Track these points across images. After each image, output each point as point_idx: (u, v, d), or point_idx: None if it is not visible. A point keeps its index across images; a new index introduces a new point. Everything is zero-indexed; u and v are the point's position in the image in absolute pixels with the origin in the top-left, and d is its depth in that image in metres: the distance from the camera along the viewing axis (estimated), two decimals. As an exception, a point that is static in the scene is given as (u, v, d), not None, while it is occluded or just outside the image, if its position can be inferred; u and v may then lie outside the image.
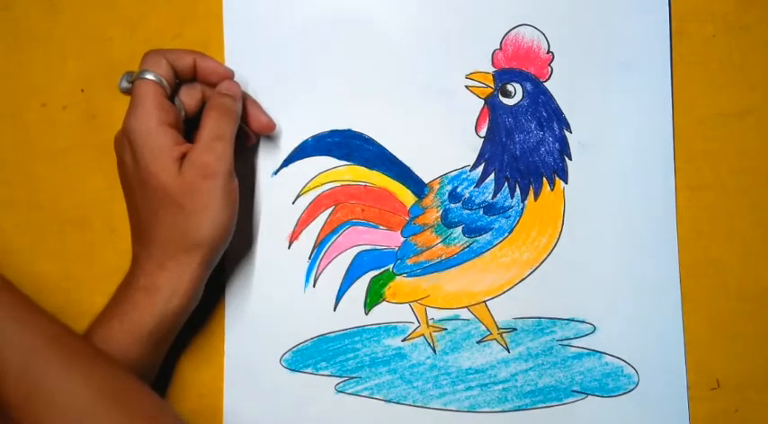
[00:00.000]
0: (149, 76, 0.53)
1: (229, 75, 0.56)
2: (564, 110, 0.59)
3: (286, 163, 0.60)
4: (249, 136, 0.59)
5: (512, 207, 0.59)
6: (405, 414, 0.58)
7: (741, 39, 0.60)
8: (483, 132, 0.60)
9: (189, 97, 0.56)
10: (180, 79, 0.56)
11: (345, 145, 0.60)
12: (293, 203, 0.60)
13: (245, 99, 0.57)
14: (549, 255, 0.59)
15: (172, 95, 0.55)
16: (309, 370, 0.59)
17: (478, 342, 0.59)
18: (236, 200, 0.54)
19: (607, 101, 0.59)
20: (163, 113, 0.53)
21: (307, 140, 0.60)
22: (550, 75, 0.60)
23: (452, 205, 0.59)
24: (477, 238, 0.59)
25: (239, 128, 0.58)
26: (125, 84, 0.55)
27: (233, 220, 0.54)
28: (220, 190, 0.53)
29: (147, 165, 0.52)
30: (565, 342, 0.58)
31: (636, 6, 0.60)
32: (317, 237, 0.59)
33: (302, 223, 0.59)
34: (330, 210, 0.59)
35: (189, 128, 0.56)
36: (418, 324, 0.59)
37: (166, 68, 0.54)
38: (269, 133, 0.59)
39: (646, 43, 0.59)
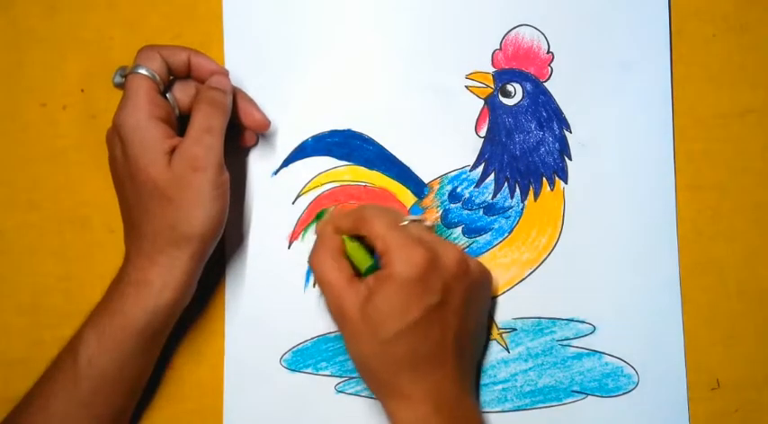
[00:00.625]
0: (142, 71, 0.53)
1: (222, 73, 0.56)
2: (564, 110, 0.59)
3: (286, 163, 0.60)
4: (249, 136, 0.59)
5: (511, 207, 0.59)
6: (405, 414, 0.58)
7: (741, 39, 0.60)
8: (483, 132, 0.60)
9: (182, 93, 0.56)
10: (174, 75, 0.56)
11: (345, 145, 0.60)
12: (293, 203, 0.60)
13: (240, 95, 0.57)
14: (548, 255, 0.59)
15: (166, 91, 0.55)
16: (309, 370, 0.59)
17: (478, 342, 0.59)
18: (226, 193, 0.54)
19: (607, 101, 0.59)
20: (154, 107, 0.53)
21: (307, 140, 0.60)
22: (550, 75, 0.60)
23: (452, 205, 0.59)
24: (477, 238, 0.59)
25: (239, 128, 0.58)
26: (118, 79, 0.55)
27: (224, 213, 0.54)
28: (210, 183, 0.53)
29: (136, 159, 0.52)
30: (565, 342, 0.58)
31: (636, 6, 0.60)
32: (317, 237, 0.59)
33: (302, 223, 0.60)
34: (330, 211, 0.59)
35: (183, 125, 0.56)
36: (418, 324, 0.59)
37: (160, 64, 0.54)
38: (263, 130, 0.58)
39: (646, 43, 0.59)
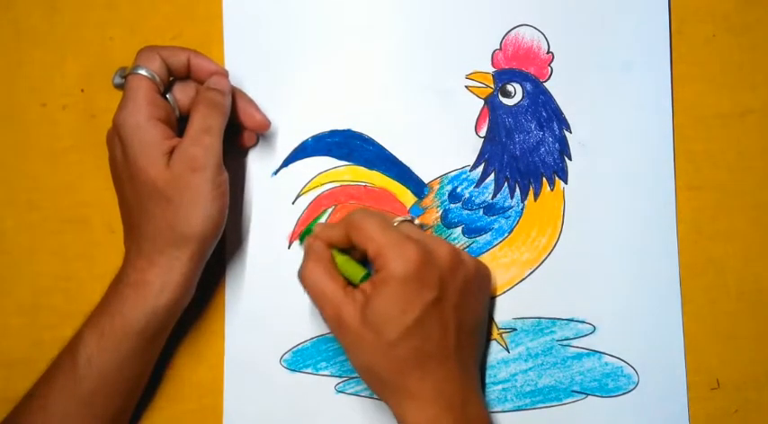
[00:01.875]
0: (142, 72, 0.53)
1: (222, 73, 0.56)
2: (564, 110, 0.59)
3: (286, 163, 0.60)
4: (248, 136, 0.59)
5: (511, 207, 0.59)
6: (405, 414, 0.58)
7: (741, 39, 0.60)
8: (483, 132, 0.60)
9: (182, 94, 0.56)
10: (174, 76, 0.56)
11: (345, 145, 0.60)
12: (293, 203, 0.60)
13: (240, 96, 0.57)
14: (548, 255, 0.59)
15: (166, 92, 0.55)
16: (309, 370, 0.59)
17: (478, 342, 0.59)
18: (225, 193, 0.54)
19: (607, 101, 0.59)
20: (153, 108, 0.53)
21: (307, 140, 0.60)
22: (550, 75, 0.60)
23: (452, 205, 0.59)
24: (477, 238, 0.59)
25: (238, 128, 0.58)
26: (118, 80, 0.55)
27: (223, 213, 0.54)
28: (209, 183, 0.53)
29: (135, 159, 0.52)
30: (565, 342, 0.58)
31: (636, 6, 0.60)
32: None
33: (302, 223, 0.60)
34: (330, 210, 0.59)
35: (184, 126, 0.56)
36: (418, 324, 0.59)
37: (160, 65, 0.54)
38: (263, 131, 0.59)
39: (646, 43, 0.59)
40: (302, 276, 0.53)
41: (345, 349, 0.52)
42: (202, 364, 0.59)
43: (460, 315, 0.53)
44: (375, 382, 0.53)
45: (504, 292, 0.59)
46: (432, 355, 0.51)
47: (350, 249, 0.54)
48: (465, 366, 0.53)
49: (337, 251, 0.54)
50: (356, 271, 0.53)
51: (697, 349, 0.58)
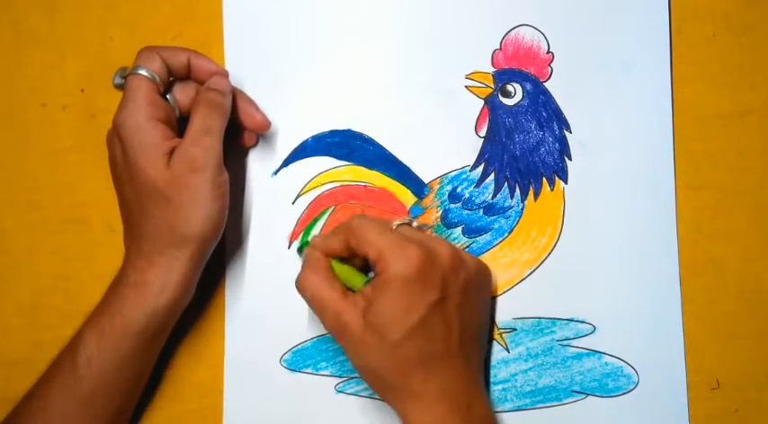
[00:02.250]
0: (142, 72, 0.53)
1: (222, 74, 0.56)
2: (564, 110, 0.59)
3: (286, 163, 0.60)
4: (248, 136, 0.59)
5: (511, 207, 0.59)
6: (405, 414, 0.58)
7: (741, 39, 0.60)
8: (483, 132, 0.60)
9: (182, 94, 0.56)
10: (174, 77, 0.56)
11: (345, 145, 0.60)
12: (293, 203, 0.60)
13: (240, 96, 0.57)
14: (548, 255, 0.59)
15: (166, 92, 0.55)
16: (309, 370, 0.59)
17: (478, 342, 0.59)
18: (225, 194, 0.54)
19: (607, 101, 0.59)
20: (153, 108, 0.53)
21: (307, 140, 0.60)
22: (550, 75, 0.60)
23: (452, 205, 0.59)
24: (477, 238, 0.59)
25: (239, 128, 0.58)
26: (118, 80, 0.55)
27: (223, 214, 0.54)
28: (209, 184, 0.53)
29: (135, 160, 0.52)
30: (564, 342, 0.58)
31: (636, 6, 0.60)
32: (317, 237, 0.59)
33: (302, 223, 0.60)
34: (330, 210, 0.59)
35: (184, 126, 0.56)
36: (418, 324, 0.59)
37: (160, 65, 0.54)
38: (264, 131, 0.58)
39: (646, 43, 0.59)
40: (300, 286, 0.53)
41: (348, 354, 0.52)
42: (202, 364, 0.59)
43: (463, 314, 0.53)
44: (379, 384, 0.52)
45: (504, 292, 0.59)
46: (436, 355, 0.51)
47: (349, 258, 0.54)
48: (469, 366, 0.53)
49: (336, 260, 0.54)
50: (356, 280, 0.53)
51: (697, 349, 0.58)
